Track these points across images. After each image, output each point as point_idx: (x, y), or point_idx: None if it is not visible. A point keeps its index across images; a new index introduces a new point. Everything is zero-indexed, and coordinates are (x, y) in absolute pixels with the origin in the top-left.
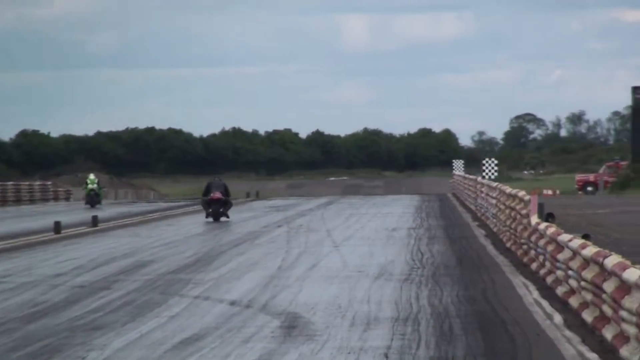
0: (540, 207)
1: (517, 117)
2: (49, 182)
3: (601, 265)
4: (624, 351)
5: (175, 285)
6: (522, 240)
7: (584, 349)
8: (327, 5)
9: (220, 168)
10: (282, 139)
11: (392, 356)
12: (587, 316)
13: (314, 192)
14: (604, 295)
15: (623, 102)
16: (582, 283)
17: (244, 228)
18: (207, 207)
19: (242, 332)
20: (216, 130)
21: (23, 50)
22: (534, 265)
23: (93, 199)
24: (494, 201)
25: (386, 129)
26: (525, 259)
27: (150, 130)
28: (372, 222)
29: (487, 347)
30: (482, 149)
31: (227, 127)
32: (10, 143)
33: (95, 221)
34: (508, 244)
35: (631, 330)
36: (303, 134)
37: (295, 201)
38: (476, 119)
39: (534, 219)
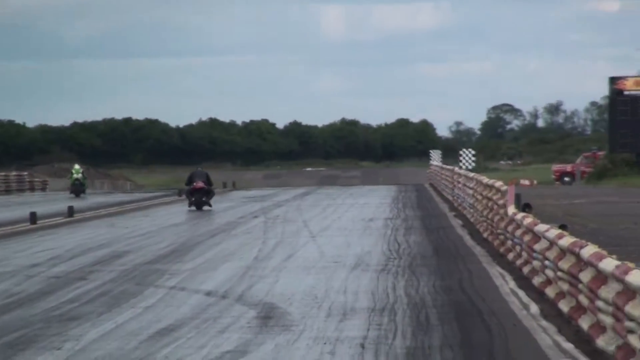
0: (517, 197)
1: (495, 108)
2: (25, 173)
3: (577, 256)
4: (600, 341)
5: (151, 275)
6: (499, 231)
7: (560, 339)
8: None
9: (197, 158)
10: (259, 129)
11: (369, 346)
12: (564, 306)
13: (291, 183)
14: (580, 286)
15: (600, 92)
16: (559, 273)
17: (221, 218)
18: (190, 196)
19: (218, 323)
20: (193, 120)
21: None
22: (510, 256)
23: (78, 189)
24: (470, 191)
25: (364, 120)
26: (502, 249)
27: (127, 121)
28: (349, 212)
29: (464, 337)
30: (460, 139)
31: (204, 118)
32: None
33: (71, 212)
34: (485, 234)
35: (607, 320)
36: (280, 124)
37: (272, 191)
38: (453, 109)
39: (511, 209)
